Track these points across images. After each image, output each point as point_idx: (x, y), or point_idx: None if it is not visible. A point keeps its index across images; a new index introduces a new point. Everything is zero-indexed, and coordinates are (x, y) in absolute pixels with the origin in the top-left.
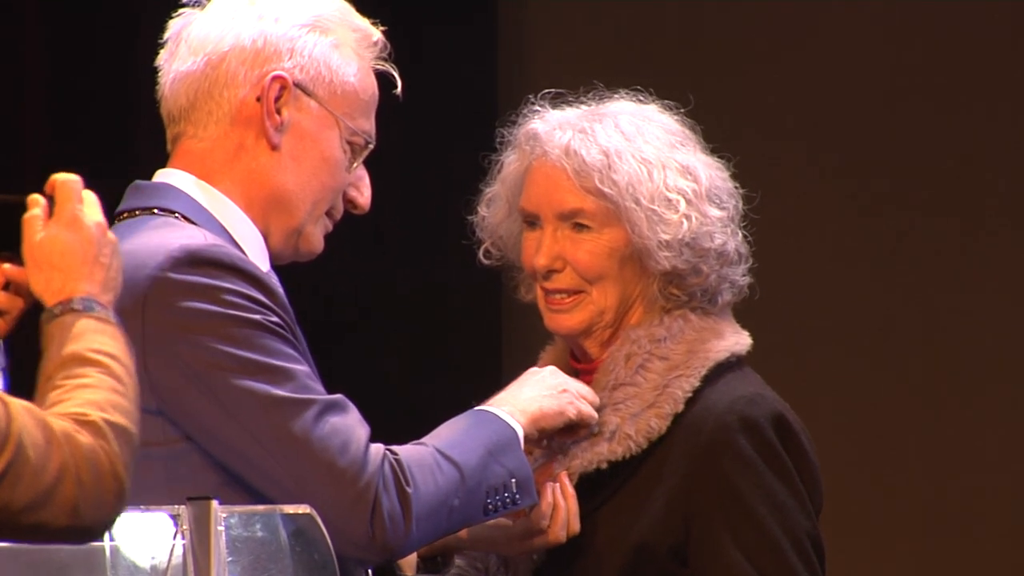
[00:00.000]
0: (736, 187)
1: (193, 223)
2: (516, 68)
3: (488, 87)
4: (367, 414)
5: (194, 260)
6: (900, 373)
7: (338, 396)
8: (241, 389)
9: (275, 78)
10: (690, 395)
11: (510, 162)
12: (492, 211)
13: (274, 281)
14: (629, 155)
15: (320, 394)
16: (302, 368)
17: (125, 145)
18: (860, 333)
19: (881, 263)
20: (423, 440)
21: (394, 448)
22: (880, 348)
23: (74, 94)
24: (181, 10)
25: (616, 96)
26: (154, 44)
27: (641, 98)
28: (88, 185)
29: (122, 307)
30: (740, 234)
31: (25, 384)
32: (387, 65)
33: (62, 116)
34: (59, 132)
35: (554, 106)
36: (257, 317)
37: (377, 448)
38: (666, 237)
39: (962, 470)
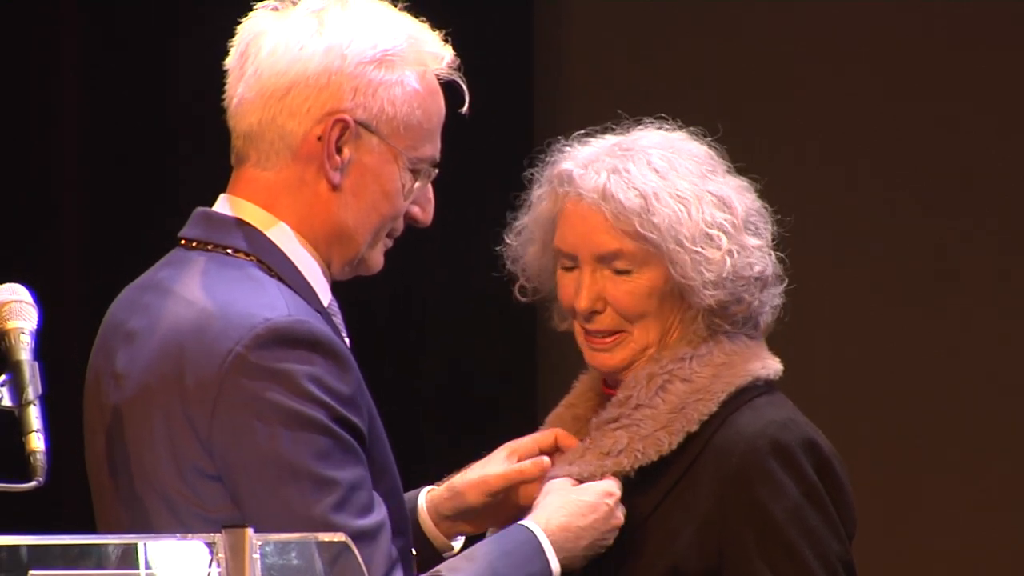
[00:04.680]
0: (765, 206)
1: (268, 267)
2: (552, 87)
3: (524, 101)
4: (401, 428)
5: (275, 339)
6: (937, 399)
7: (372, 523)
8: (282, 496)
9: (337, 121)
10: (705, 417)
11: (541, 200)
12: (525, 249)
13: (348, 356)
14: (666, 195)
15: (358, 515)
16: (349, 477)
17: (165, 166)
18: (895, 359)
19: (917, 288)
20: (451, 570)
21: None
22: (916, 374)
23: (110, 111)
24: (256, 9)
25: (642, 125)
26: (190, 63)
27: (667, 126)
28: (128, 201)
29: (200, 371)
30: (774, 255)
31: (57, 409)
32: (456, 78)
33: (96, 127)
34: (93, 135)
35: (581, 138)
36: (322, 418)
37: None
38: (711, 276)
39: (998, 497)
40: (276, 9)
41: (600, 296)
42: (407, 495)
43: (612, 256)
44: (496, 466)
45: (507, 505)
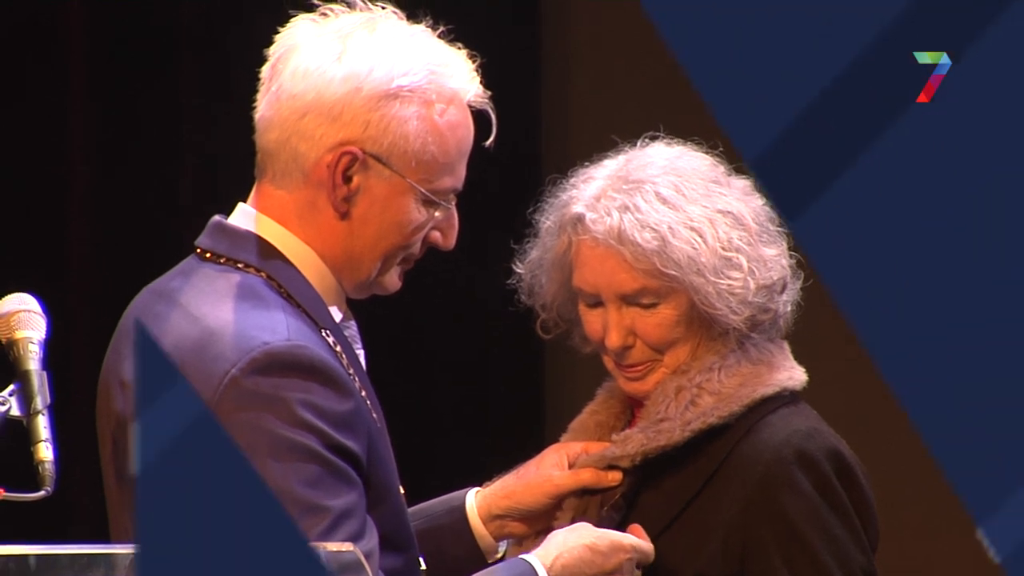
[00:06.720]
0: (770, 205)
1: (277, 284)
2: (559, 119)
3: (531, 112)
4: (408, 447)
5: (271, 364)
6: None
7: (363, 550)
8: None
9: (345, 152)
10: (726, 415)
11: (551, 236)
12: (542, 286)
13: (346, 380)
14: (680, 227)
15: (346, 542)
16: (339, 504)
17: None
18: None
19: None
20: None
21: None
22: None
23: (119, 121)
24: (293, 21)
25: (640, 143)
26: (192, 80)
27: (667, 140)
28: (136, 210)
29: (197, 389)
30: (788, 255)
31: (65, 419)
32: (484, 108)
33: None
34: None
35: (582, 168)
36: (315, 445)
37: None
38: (735, 302)
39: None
40: (315, 21)
41: (630, 331)
42: (450, 496)
43: (636, 295)
44: (554, 470)
45: (558, 508)
